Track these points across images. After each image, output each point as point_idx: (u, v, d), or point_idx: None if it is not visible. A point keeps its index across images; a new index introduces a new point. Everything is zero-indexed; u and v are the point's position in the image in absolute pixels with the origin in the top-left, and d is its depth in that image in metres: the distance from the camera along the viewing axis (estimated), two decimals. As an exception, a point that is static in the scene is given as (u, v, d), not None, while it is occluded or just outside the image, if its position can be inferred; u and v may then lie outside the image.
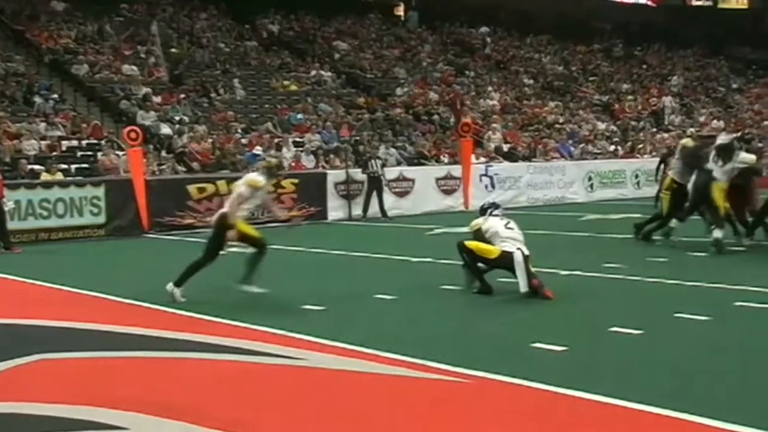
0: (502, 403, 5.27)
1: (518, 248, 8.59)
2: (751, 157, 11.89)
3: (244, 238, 8.97)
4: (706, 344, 6.55)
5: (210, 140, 19.67)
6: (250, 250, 9.03)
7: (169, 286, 8.86)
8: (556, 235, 14.45)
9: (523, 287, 8.39)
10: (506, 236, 8.71)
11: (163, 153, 19.08)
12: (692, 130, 20.04)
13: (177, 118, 20.59)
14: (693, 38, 39.19)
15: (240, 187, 8.98)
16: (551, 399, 5.24)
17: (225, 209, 8.95)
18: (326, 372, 6.08)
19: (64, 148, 18.45)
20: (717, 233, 11.32)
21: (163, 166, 18.21)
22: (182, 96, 22.02)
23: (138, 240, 15.56)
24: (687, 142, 13.05)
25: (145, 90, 21.59)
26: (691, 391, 5.31)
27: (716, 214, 11.51)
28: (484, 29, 34.23)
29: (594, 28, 38.29)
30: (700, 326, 7.12)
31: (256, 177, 9.05)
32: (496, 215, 9.11)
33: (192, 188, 16.86)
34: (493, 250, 8.71)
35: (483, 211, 9.31)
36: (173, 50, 24.56)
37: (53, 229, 15.40)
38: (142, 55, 23.81)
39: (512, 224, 8.91)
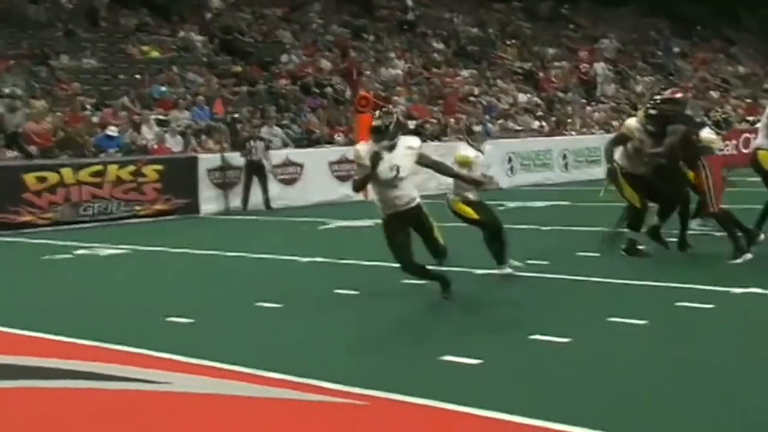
0: (403, 427, 5.35)
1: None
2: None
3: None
4: (642, 353, 6.73)
5: (51, 118, 19.23)
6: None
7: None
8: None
9: None
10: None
11: (-9, 134, 18.57)
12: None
13: (7, 90, 19.98)
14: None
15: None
16: (461, 420, 5.34)
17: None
18: (194, 397, 6.06)
19: None
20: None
21: (-9, 151, 17.74)
22: (12, 62, 21.40)
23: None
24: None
25: (-36, 56, 20.94)
26: (624, 409, 5.47)
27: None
28: None
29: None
30: (636, 332, 7.33)
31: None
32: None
33: (29, 177, 16.45)
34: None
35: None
36: None
37: None
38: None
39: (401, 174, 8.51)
